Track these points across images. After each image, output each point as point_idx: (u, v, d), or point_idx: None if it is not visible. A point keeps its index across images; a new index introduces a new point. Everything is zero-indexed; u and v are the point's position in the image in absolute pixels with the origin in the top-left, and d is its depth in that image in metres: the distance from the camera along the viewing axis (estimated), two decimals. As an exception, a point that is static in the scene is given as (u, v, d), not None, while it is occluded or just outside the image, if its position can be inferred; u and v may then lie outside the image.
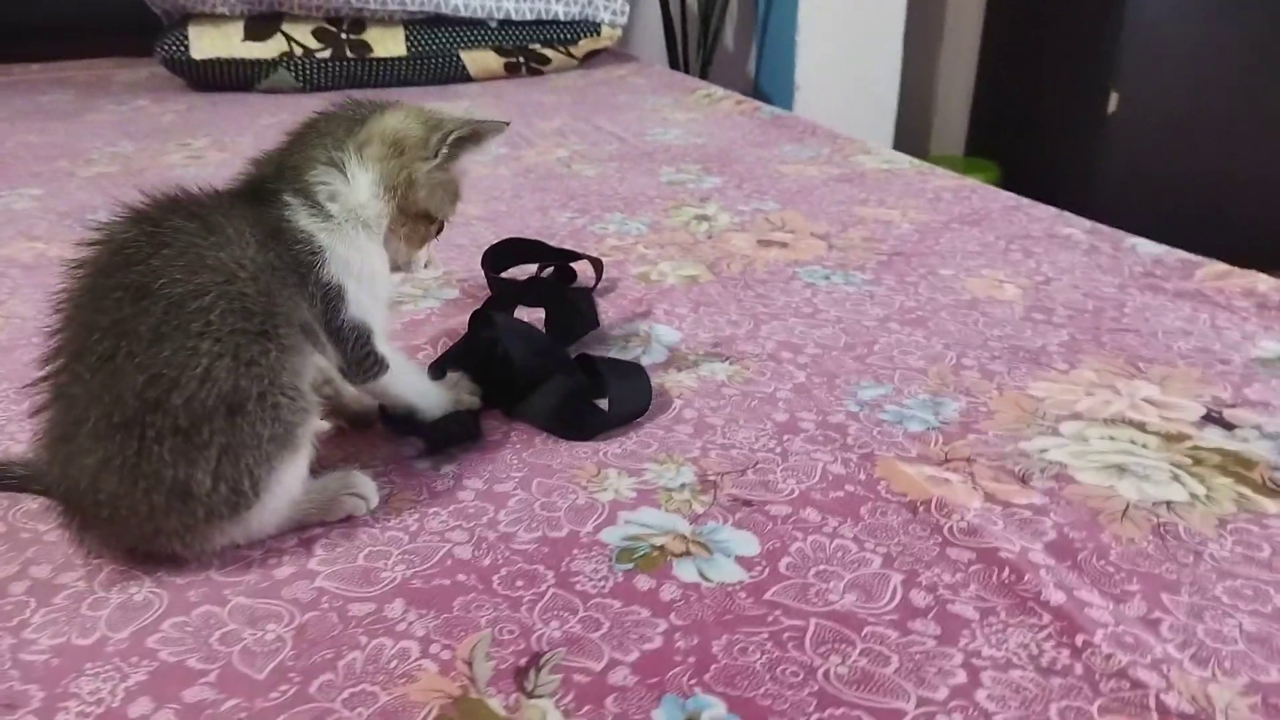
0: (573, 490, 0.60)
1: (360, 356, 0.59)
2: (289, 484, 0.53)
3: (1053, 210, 1.10)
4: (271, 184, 0.58)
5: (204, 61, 1.85)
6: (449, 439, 0.64)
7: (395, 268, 0.64)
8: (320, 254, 0.56)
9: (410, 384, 0.64)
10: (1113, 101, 2.36)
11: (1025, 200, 1.14)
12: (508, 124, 0.64)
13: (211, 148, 1.46)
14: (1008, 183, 2.54)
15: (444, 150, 0.61)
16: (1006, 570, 0.52)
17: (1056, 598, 0.49)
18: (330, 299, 0.57)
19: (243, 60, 1.86)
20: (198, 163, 1.38)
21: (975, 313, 0.83)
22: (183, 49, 1.84)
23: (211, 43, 1.85)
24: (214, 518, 0.51)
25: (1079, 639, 0.47)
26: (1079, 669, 0.45)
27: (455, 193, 0.65)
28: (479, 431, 0.66)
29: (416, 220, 0.63)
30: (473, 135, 0.62)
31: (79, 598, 0.51)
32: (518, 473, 0.62)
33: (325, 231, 0.57)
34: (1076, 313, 0.83)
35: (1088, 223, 1.05)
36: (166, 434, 0.48)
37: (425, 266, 0.66)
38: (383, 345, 0.61)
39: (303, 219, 0.57)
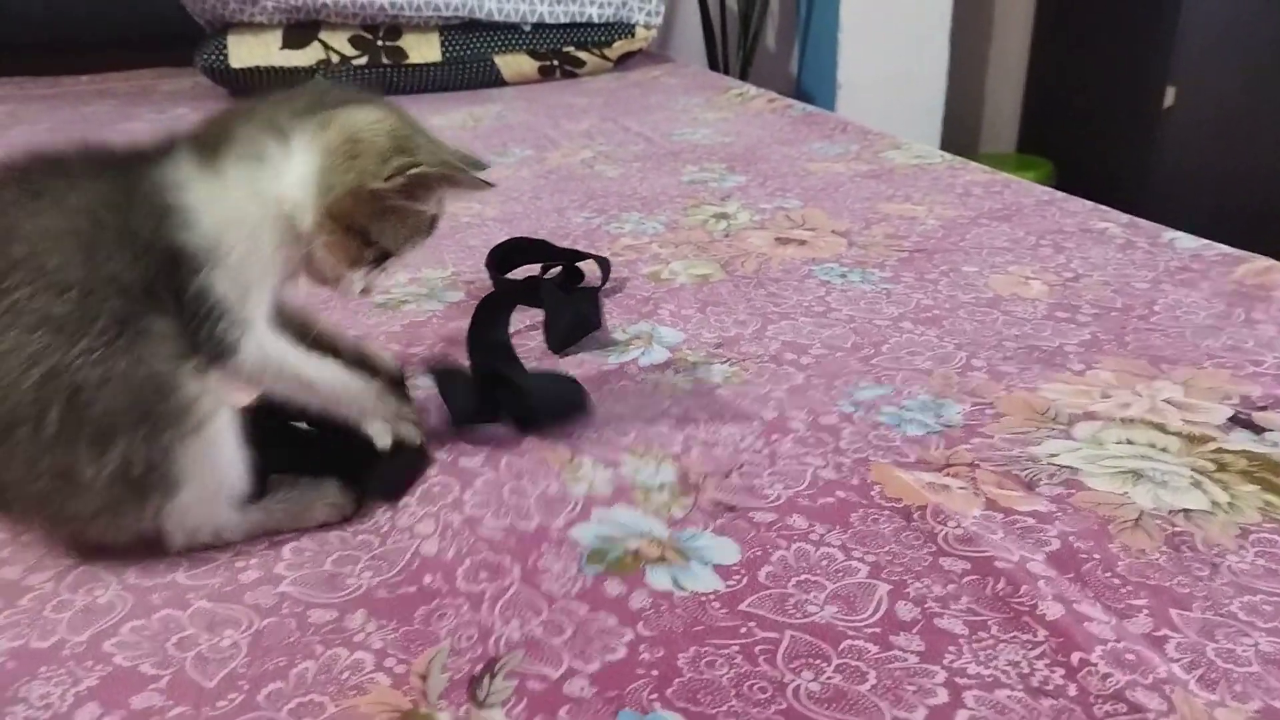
0: (544, 476, 0.58)
1: (207, 334, 0.51)
2: (209, 473, 0.50)
3: (1089, 204, 1.05)
4: (182, 138, 0.53)
5: (243, 70, 1.87)
6: (397, 485, 0.58)
7: (320, 278, 0.56)
8: (177, 211, 0.50)
9: (313, 375, 0.56)
10: (1169, 96, 2.28)
11: (1060, 195, 1.09)
12: (492, 185, 0.57)
13: (243, 154, 1.48)
14: (1061, 180, 2.46)
15: (398, 179, 0.52)
16: (1002, 582, 0.48)
17: (1054, 612, 0.46)
18: (179, 263, 0.50)
19: (281, 68, 1.88)
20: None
21: (995, 311, 0.80)
22: (222, 58, 1.87)
23: (250, 51, 1.87)
24: (120, 505, 0.49)
25: (1075, 657, 0.43)
26: (1072, 689, 0.42)
27: (418, 228, 0.56)
28: (427, 462, 0.60)
29: (347, 234, 0.54)
30: (445, 178, 0.54)
31: (44, 599, 0.50)
32: (485, 445, 0.60)
33: (205, 187, 0.51)
34: (1103, 311, 0.79)
35: (1125, 217, 1.00)
36: (19, 422, 0.47)
37: (361, 293, 0.57)
38: (258, 333, 0.53)
39: (180, 173, 0.51)
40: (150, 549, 0.53)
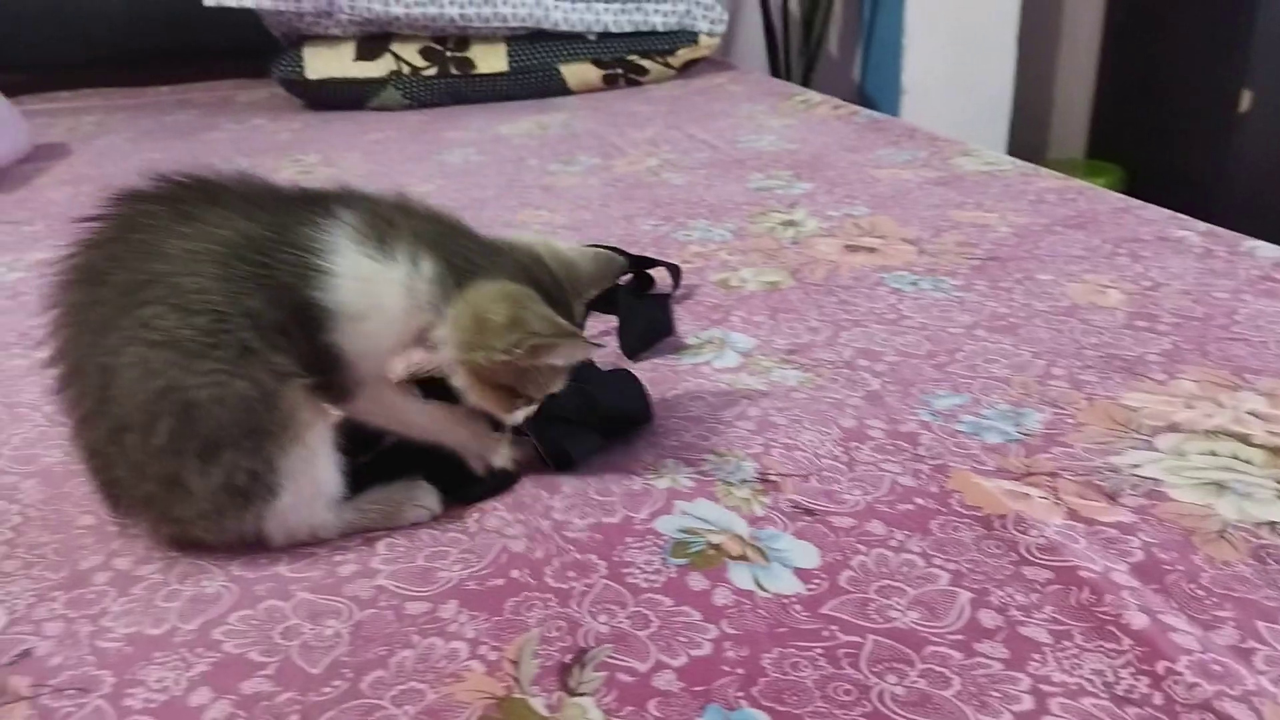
0: (627, 476, 0.59)
1: (329, 377, 0.55)
2: (306, 479, 0.53)
3: (1165, 212, 1.03)
4: (342, 203, 0.56)
5: (318, 81, 1.93)
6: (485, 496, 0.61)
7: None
8: (326, 274, 0.53)
9: (416, 421, 0.61)
10: (1245, 100, 2.22)
11: (1135, 202, 1.07)
12: (599, 347, 0.60)
13: (321, 164, 1.53)
14: (1132, 186, 2.42)
15: (518, 352, 0.54)
16: (1086, 591, 0.48)
17: (1139, 622, 0.46)
18: (316, 316, 0.53)
19: (354, 80, 1.93)
20: (307, 178, 1.44)
21: (1072, 320, 0.79)
22: (298, 69, 1.92)
23: (325, 63, 1.93)
24: (223, 510, 0.52)
25: (1160, 666, 0.43)
26: (1158, 699, 0.42)
27: (555, 375, 0.58)
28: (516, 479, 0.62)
29: (496, 390, 0.57)
30: (555, 345, 0.55)
31: (154, 589, 0.53)
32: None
33: (359, 264, 0.54)
34: (1184, 320, 0.78)
35: (1202, 225, 0.98)
36: (129, 428, 0.50)
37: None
38: (375, 386, 0.58)
39: (337, 241, 0.54)
40: (252, 544, 0.55)
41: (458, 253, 0.57)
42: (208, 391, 0.50)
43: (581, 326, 0.61)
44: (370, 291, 0.54)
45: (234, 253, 0.52)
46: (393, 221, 0.56)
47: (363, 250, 0.54)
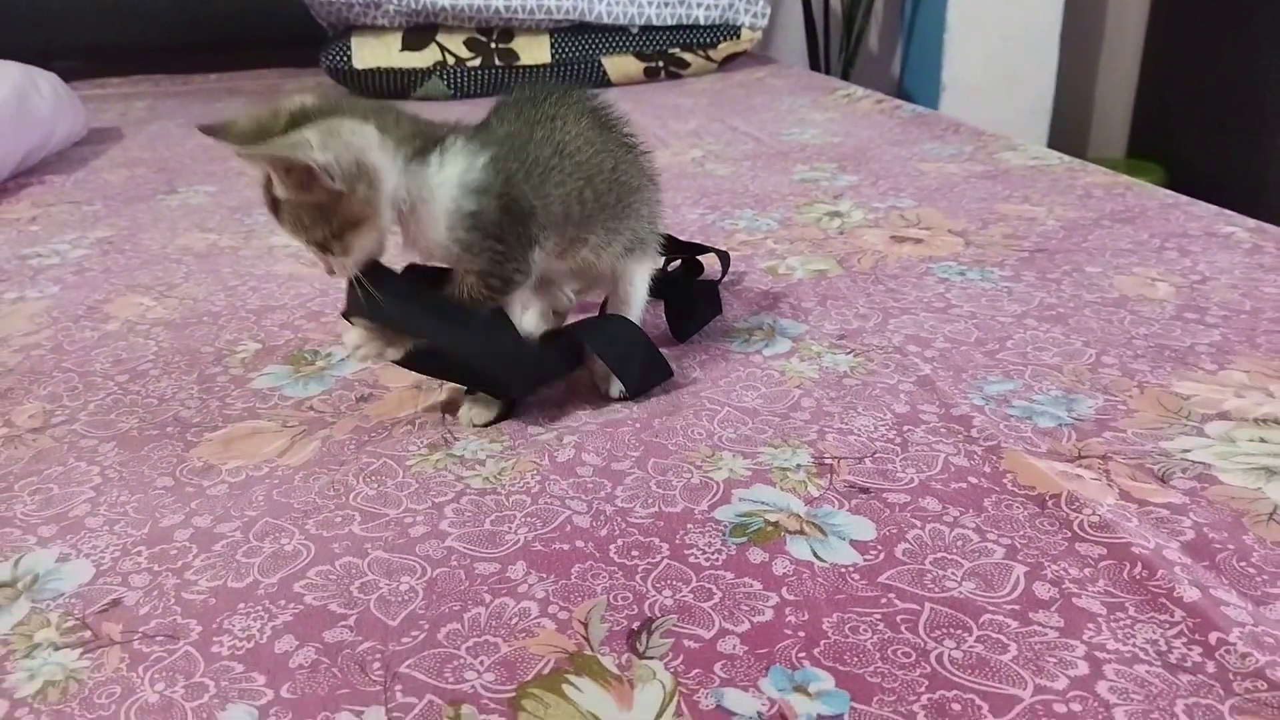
0: (687, 470, 0.61)
1: None
2: None
3: (1213, 208, 1.04)
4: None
5: (365, 71, 1.96)
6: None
7: None
8: None
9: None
10: (1291, 99, 2.20)
11: (1183, 198, 1.08)
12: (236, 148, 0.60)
13: (368, 149, 1.55)
14: (1173, 185, 2.39)
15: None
16: (1139, 566, 0.50)
17: (1190, 595, 0.47)
18: None
19: (400, 69, 1.96)
20: (355, 163, 1.46)
21: (1122, 311, 0.80)
22: (345, 59, 1.95)
23: (372, 53, 1.96)
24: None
25: (1213, 637, 0.45)
26: (1210, 667, 0.43)
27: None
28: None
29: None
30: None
31: (235, 546, 0.55)
32: (634, 451, 0.63)
33: None
34: (1232, 313, 0.78)
35: (1251, 221, 0.99)
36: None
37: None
38: None
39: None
40: (326, 505, 0.58)
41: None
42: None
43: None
44: None
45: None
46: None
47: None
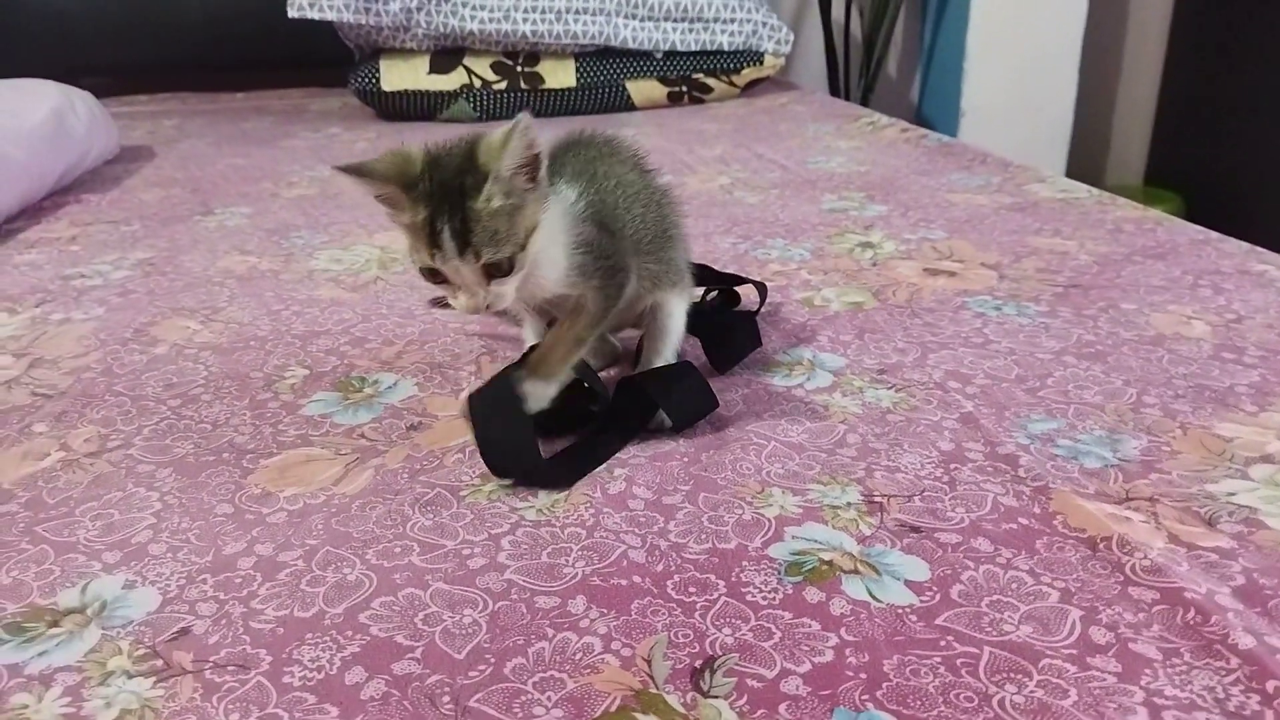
0: (738, 505, 0.62)
1: None
2: None
3: (1245, 245, 1.05)
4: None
5: (392, 93, 1.98)
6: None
7: None
8: None
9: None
10: (1310, 131, 2.21)
11: (1214, 234, 1.09)
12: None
13: (398, 172, 1.57)
14: (1191, 215, 2.40)
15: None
16: (1192, 612, 0.50)
17: (1246, 642, 0.48)
18: None
19: (427, 92, 1.98)
20: (387, 186, 1.48)
21: (1160, 349, 0.81)
22: (374, 81, 1.98)
23: (400, 76, 1.98)
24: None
25: (1270, 685, 0.45)
26: (1269, 716, 0.44)
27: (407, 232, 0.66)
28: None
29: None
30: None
31: (299, 575, 0.56)
32: (684, 486, 0.64)
33: None
34: (1270, 353, 0.79)
35: (1283, 259, 1.00)
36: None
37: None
38: None
39: None
40: (386, 535, 0.59)
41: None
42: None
43: (467, 210, 0.62)
44: None
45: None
46: None
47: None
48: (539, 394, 0.67)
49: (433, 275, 0.65)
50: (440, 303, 0.93)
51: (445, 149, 0.65)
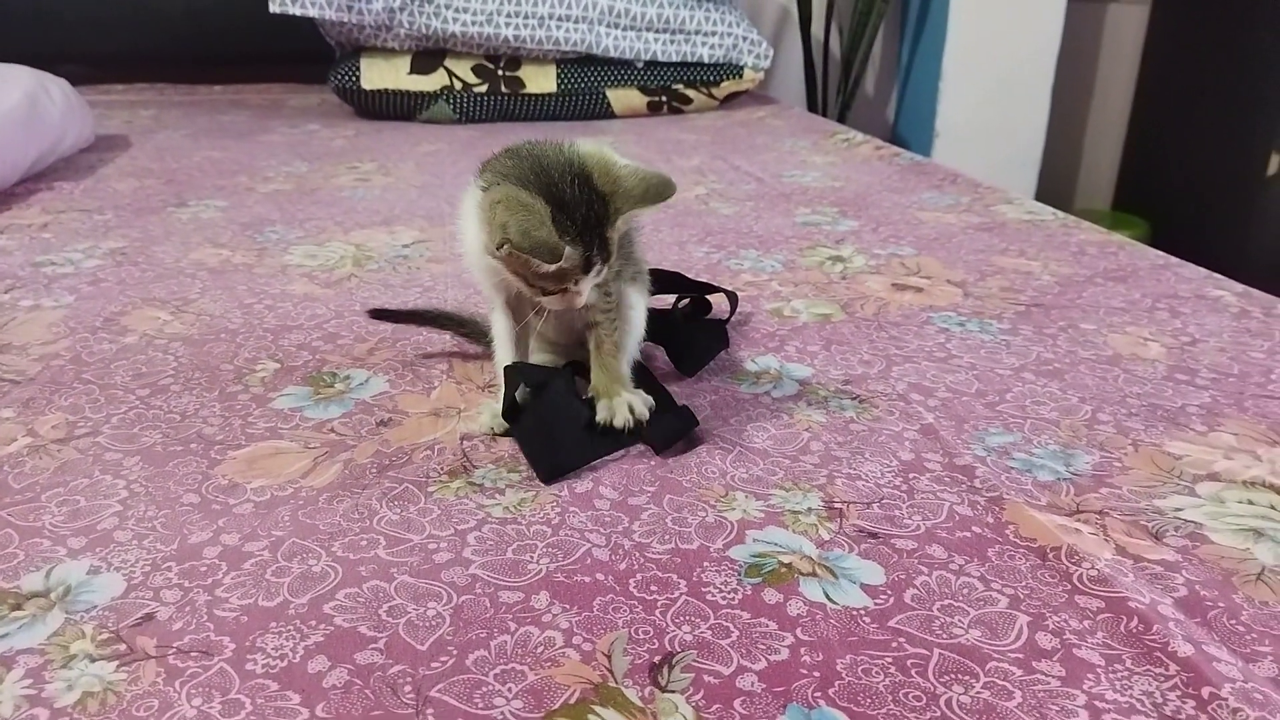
0: (702, 508, 0.63)
1: None
2: None
3: (1203, 271, 1.08)
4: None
5: (372, 91, 1.98)
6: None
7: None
8: None
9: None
10: (1274, 164, 2.27)
11: (1174, 259, 1.12)
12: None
13: (377, 172, 1.58)
14: (1156, 241, 2.46)
15: (498, 253, 0.66)
16: (1135, 620, 0.52)
17: (1184, 650, 0.50)
18: None
19: (407, 92, 1.99)
20: (365, 185, 1.49)
21: (1116, 369, 0.83)
22: (354, 79, 1.98)
23: (380, 75, 1.98)
24: None
25: (1206, 691, 0.47)
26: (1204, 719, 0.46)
27: (550, 276, 0.67)
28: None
29: (515, 275, 0.69)
30: (524, 254, 0.64)
31: (264, 565, 0.57)
32: (650, 487, 0.66)
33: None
34: (1221, 376, 0.82)
35: (1239, 286, 1.03)
36: None
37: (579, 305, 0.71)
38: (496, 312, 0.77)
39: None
40: (353, 528, 0.60)
41: (499, 167, 0.68)
42: None
43: (604, 237, 0.67)
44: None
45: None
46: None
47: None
48: (625, 406, 0.71)
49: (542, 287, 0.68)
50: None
51: (547, 180, 0.66)
